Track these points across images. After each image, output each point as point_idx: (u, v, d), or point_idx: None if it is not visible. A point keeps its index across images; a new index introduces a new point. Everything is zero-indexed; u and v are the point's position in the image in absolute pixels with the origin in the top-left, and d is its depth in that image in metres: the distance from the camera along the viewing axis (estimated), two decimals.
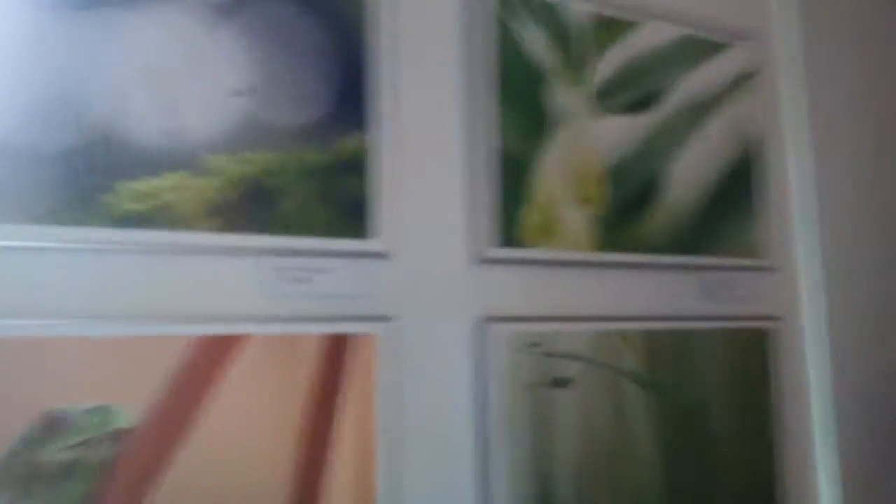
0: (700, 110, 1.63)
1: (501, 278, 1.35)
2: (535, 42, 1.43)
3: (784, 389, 1.65)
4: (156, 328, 1.06)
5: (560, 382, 1.36)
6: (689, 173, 1.58)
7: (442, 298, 1.30)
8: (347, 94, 1.25)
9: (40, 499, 0.95)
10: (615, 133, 1.50)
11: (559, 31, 1.46)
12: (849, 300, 1.77)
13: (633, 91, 1.54)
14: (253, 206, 1.15)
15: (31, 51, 1.03)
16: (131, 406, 1.03)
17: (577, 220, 1.43)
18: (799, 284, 1.74)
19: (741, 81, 1.69)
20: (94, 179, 1.04)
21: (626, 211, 1.49)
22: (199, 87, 1.14)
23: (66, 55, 1.05)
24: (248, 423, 1.10)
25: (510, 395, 1.30)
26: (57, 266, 1.02)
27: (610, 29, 1.52)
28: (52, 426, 0.97)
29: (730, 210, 1.63)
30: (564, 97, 1.45)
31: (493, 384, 1.29)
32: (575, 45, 1.47)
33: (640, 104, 1.55)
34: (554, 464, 1.34)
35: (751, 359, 1.62)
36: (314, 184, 1.20)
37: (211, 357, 1.09)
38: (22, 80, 1.02)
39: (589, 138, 1.47)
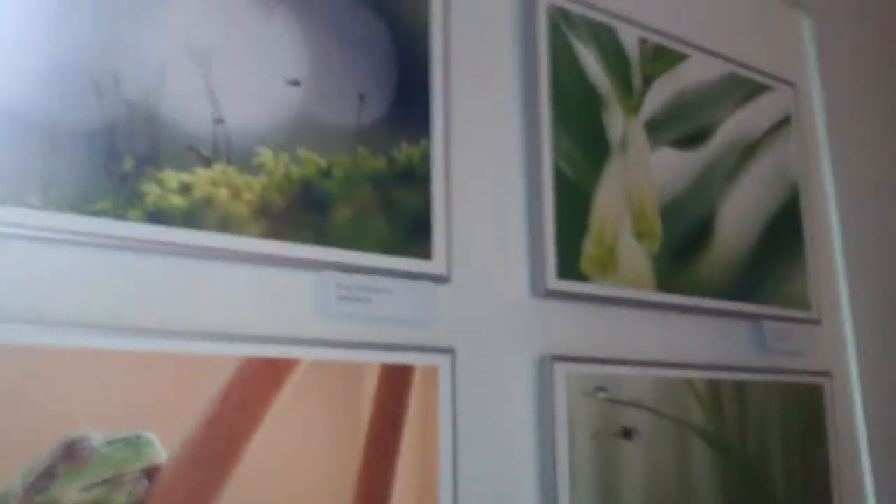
0: (746, 151, 1.54)
1: (565, 313, 1.21)
2: (591, 64, 1.32)
3: (836, 448, 1.52)
4: (195, 346, 0.87)
5: (627, 433, 1.20)
6: (738, 216, 1.48)
7: (504, 330, 1.14)
8: (406, 98, 1.11)
9: None
10: (667, 167, 1.40)
11: (613, 55, 1.36)
12: (878, 357, 1.68)
13: (682, 125, 1.45)
14: (304, 212, 0.99)
15: (54, 11, 0.86)
16: (165, 436, 0.83)
17: (635, 255, 1.30)
18: (843, 339, 1.64)
19: (782, 125, 1.62)
20: (125, 164, 0.87)
21: (682, 250, 1.37)
22: (249, 73, 0.98)
23: (96, 21, 0.88)
24: (300, 460, 0.91)
25: (575, 443, 1.14)
26: (79, 263, 0.84)
27: (659, 58, 1.43)
28: (73, 457, 0.77)
29: (778, 257, 1.53)
30: (620, 124, 1.34)
31: (559, 430, 1.13)
32: (628, 71, 1.37)
33: (689, 140, 1.45)
34: None
35: (805, 415, 1.49)
36: (370, 192, 1.05)
37: (259, 382, 0.90)
38: (42, 44, 0.84)
39: (644, 170, 1.36)
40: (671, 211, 1.37)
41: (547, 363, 1.15)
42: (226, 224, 0.92)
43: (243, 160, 0.95)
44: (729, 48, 1.57)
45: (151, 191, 0.87)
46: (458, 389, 1.06)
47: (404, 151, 1.09)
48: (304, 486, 0.91)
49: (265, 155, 0.97)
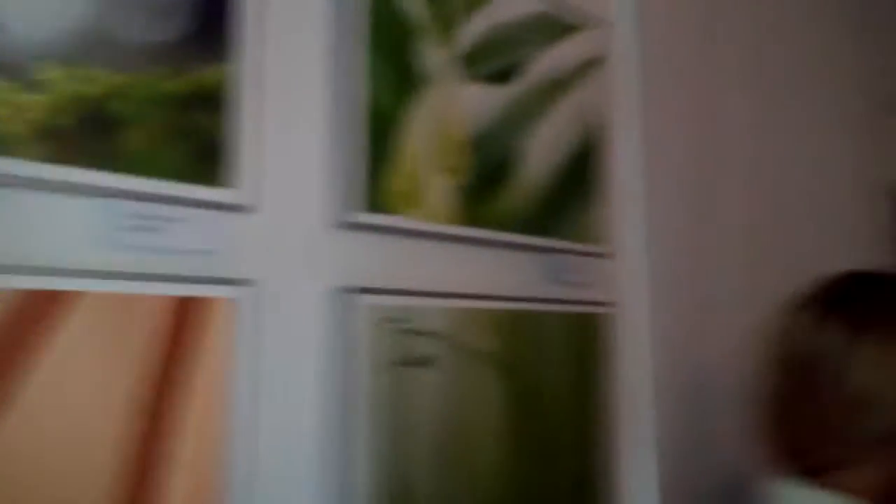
0: (553, 90, 1.59)
1: (364, 246, 1.22)
2: None
3: (617, 376, 1.65)
4: None
5: (422, 361, 1.25)
6: (540, 153, 1.54)
7: (305, 262, 1.15)
8: (211, 18, 1.06)
9: None
10: (477, 102, 1.42)
11: None
12: (670, 291, 1.81)
13: (494, 61, 1.47)
14: (91, 135, 0.93)
15: None
16: None
17: (440, 190, 1.32)
18: (632, 272, 1.75)
19: (589, 67, 1.68)
20: None
21: (487, 186, 1.41)
22: None
23: None
24: (81, 400, 0.89)
25: (370, 373, 1.18)
26: None
27: None
28: None
29: (576, 194, 1.61)
30: (433, 57, 1.34)
31: (354, 360, 1.16)
32: (445, 1, 1.37)
33: (500, 76, 1.48)
34: (412, 444, 1.23)
35: (590, 344, 1.60)
36: (165, 116, 1.00)
37: (36, 317, 0.86)
38: None
39: (454, 104, 1.37)
40: (478, 146, 1.40)
41: (348, 295, 1.17)
42: (2, 146, 0.86)
43: (24, 76, 0.88)
44: None
45: None
46: (255, 322, 1.06)
47: (206, 74, 1.05)
48: (83, 426, 0.89)
49: (50, 71, 0.90)
